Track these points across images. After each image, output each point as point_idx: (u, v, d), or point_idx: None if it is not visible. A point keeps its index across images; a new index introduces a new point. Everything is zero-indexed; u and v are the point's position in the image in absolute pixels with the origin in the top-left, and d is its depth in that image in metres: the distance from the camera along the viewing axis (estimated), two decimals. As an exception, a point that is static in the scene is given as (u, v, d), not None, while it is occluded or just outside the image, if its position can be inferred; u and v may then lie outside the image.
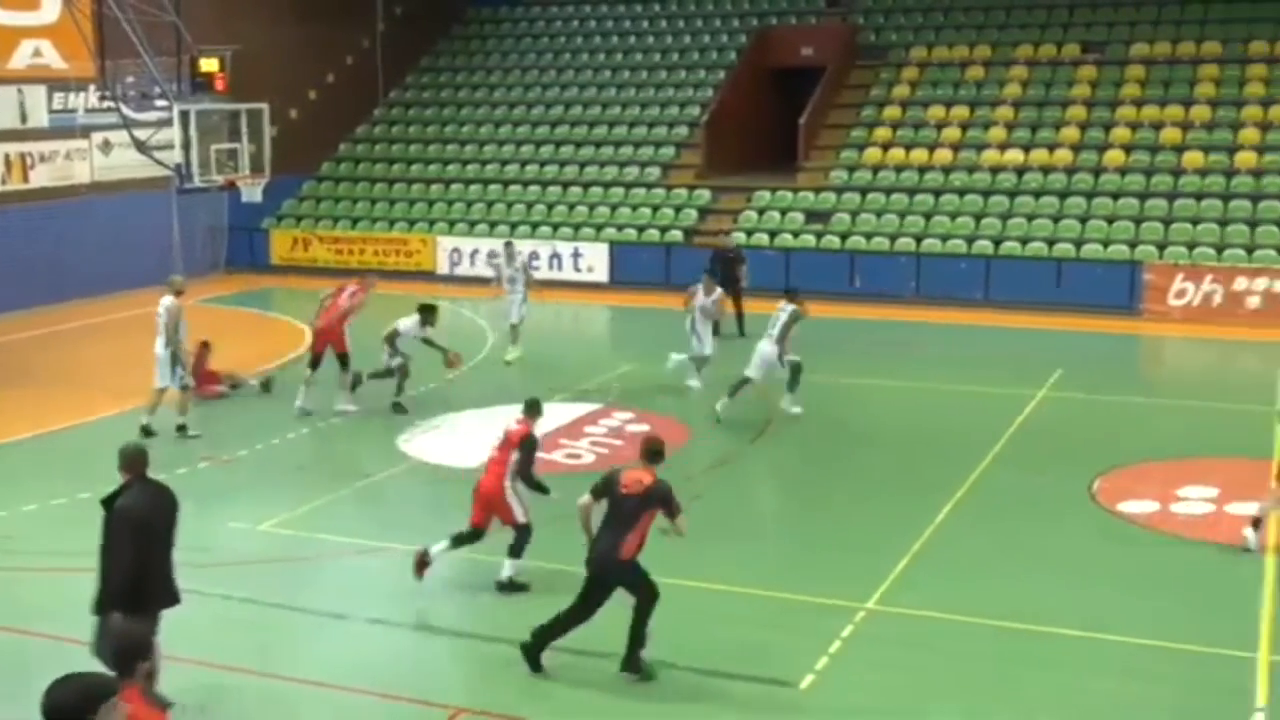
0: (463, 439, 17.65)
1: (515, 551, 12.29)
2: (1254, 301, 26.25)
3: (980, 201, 30.45)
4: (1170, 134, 30.86)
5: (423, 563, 12.20)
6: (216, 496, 15.26)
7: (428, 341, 19.05)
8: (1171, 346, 25.44)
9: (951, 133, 32.42)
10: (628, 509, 10.19)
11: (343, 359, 18.88)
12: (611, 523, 10.26)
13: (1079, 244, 28.58)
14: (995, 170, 31.16)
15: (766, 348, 18.49)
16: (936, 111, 33.17)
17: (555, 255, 30.67)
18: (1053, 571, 12.87)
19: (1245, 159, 29.74)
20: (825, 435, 18.15)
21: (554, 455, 16.77)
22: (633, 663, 10.32)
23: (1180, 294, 26.73)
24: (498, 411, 18.58)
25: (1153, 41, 33.58)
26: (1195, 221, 28.57)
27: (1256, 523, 13.47)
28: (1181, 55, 33.01)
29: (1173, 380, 23.65)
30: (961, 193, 30.81)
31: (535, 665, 10.42)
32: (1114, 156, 30.67)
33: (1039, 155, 31.20)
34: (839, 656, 10.84)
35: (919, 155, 32.08)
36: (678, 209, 32.45)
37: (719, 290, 20.75)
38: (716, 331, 21.47)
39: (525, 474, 12.18)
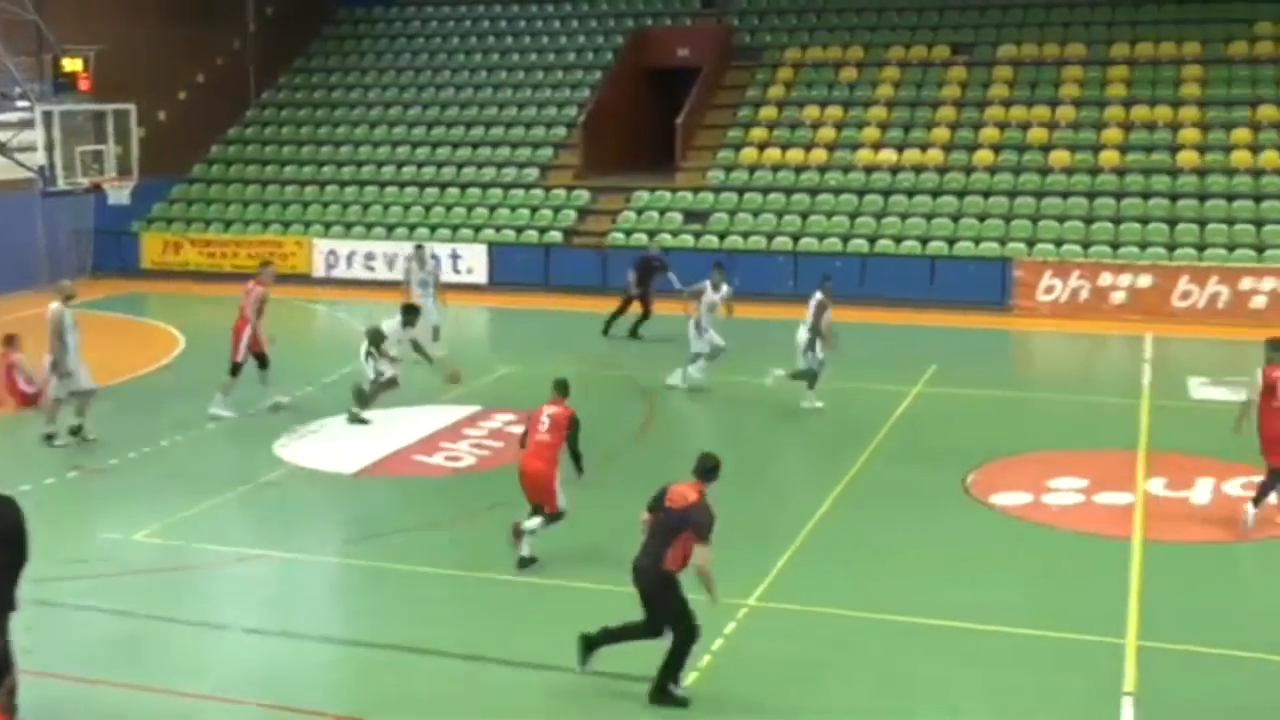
0: (340, 443, 17.44)
1: (547, 521, 12.74)
2: (1118, 296, 27.01)
3: (855, 200, 30.90)
4: (1037, 134, 31.62)
5: (519, 534, 12.72)
6: (88, 507, 14.89)
7: (416, 347, 18.89)
8: (1041, 341, 26.06)
9: (826, 133, 32.85)
10: (670, 524, 9.94)
11: (234, 366, 18.53)
12: (656, 534, 10.04)
13: (951, 242, 29.15)
14: (869, 170, 31.64)
15: (801, 334, 18.98)
16: (811, 112, 33.58)
17: (433, 257, 30.38)
18: (931, 564, 13.09)
19: (1109, 158, 30.60)
20: (705, 432, 18.28)
21: (434, 458, 16.67)
22: (659, 694, 10.00)
23: (1049, 290, 27.42)
24: (374, 415, 18.41)
25: (1019, 43, 34.40)
26: (1062, 219, 29.32)
27: (1257, 500, 13.83)
28: (1046, 57, 33.86)
29: (1042, 374, 24.23)
30: (837, 192, 31.23)
31: (583, 658, 10.26)
32: (984, 156, 31.35)
33: (911, 155, 31.75)
34: (723, 653, 10.90)
35: (795, 155, 32.45)
36: (556, 210, 32.42)
37: (727, 287, 20.69)
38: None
39: (575, 449, 12.83)
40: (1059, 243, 28.54)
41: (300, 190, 34.67)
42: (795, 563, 13.04)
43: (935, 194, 30.69)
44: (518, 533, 12.70)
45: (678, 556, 9.88)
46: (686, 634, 9.95)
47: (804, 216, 30.74)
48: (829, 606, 11.97)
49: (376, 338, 18.39)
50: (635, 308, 24.57)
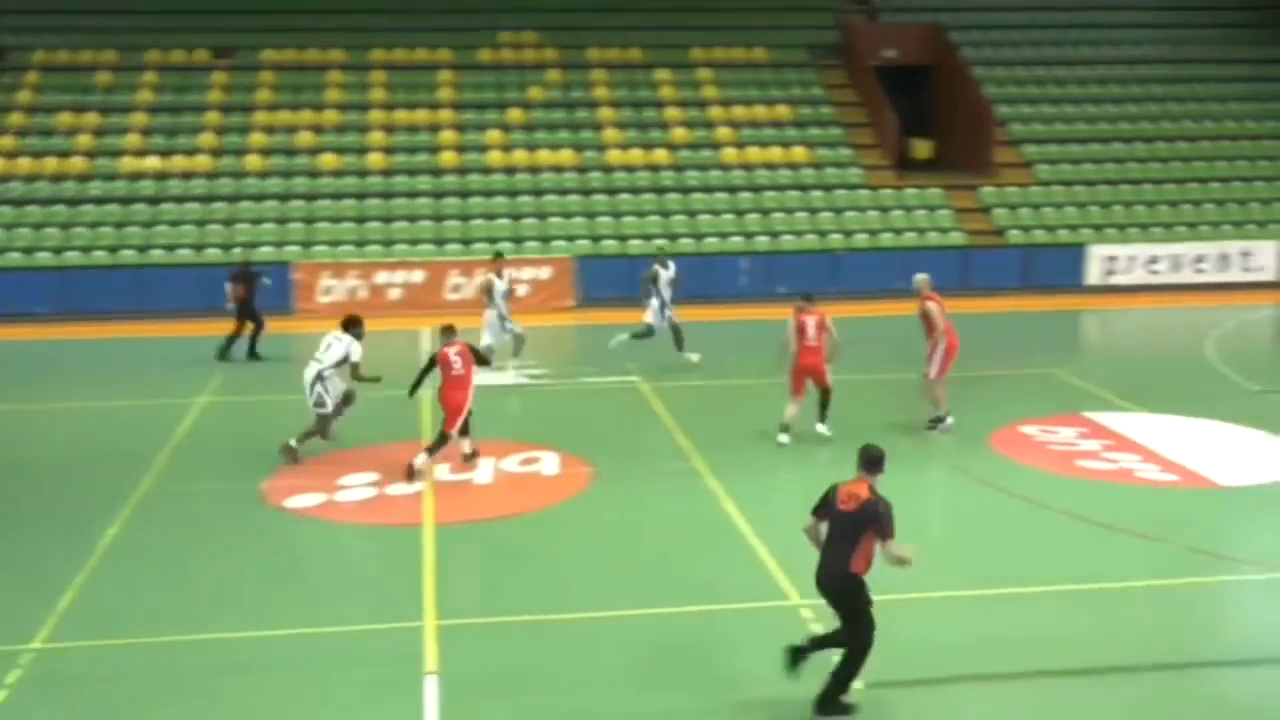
0: None
1: (438, 445, 15.67)
2: (395, 293, 28.00)
3: (121, 210, 29.60)
4: (305, 137, 31.95)
5: (413, 473, 15.38)
6: None
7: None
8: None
9: (85, 139, 31.20)
10: (845, 526, 9.46)
11: None
12: (835, 538, 9.53)
13: (226, 248, 28.73)
14: (135, 177, 30.46)
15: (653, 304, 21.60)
16: (66, 118, 31.76)
17: None
18: (234, 575, 12.85)
19: (375, 160, 31.56)
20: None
21: None
22: (826, 704, 9.60)
23: (327, 291, 27.88)
24: None
25: (280, 47, 34.53)
26: (336, 220, 29.87)
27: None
28: (308, 61, 34.29)
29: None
30: (100, 201, 29.77)
31: (792, 664, 9.73)
32: (254, 161, 31.18)
33: (179, 161, 30.95)
34: (7, 708, 10.05)
35: (51, 164, 30.50)
36: None
37: (507, 271, 22.23)
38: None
39: (484, 361, 16.17)
40: (335, 244, 29.05)
41: None
42: (85, 597, 12.25)
43: (207, 200, 30.11)
44: (412, 471, 15.34)
45: (863, 559, 9.46)
46: (865, 634, 9.54)
47: (66, 229, 28.97)
48: (132, 638, 11.38)
49: (354, 368, 16.22)
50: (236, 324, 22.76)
